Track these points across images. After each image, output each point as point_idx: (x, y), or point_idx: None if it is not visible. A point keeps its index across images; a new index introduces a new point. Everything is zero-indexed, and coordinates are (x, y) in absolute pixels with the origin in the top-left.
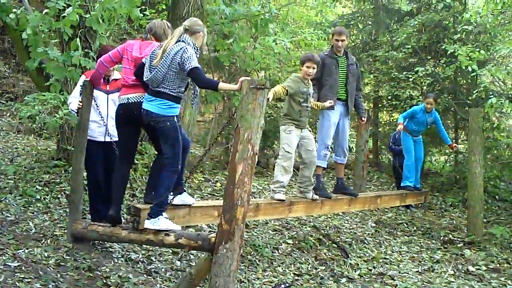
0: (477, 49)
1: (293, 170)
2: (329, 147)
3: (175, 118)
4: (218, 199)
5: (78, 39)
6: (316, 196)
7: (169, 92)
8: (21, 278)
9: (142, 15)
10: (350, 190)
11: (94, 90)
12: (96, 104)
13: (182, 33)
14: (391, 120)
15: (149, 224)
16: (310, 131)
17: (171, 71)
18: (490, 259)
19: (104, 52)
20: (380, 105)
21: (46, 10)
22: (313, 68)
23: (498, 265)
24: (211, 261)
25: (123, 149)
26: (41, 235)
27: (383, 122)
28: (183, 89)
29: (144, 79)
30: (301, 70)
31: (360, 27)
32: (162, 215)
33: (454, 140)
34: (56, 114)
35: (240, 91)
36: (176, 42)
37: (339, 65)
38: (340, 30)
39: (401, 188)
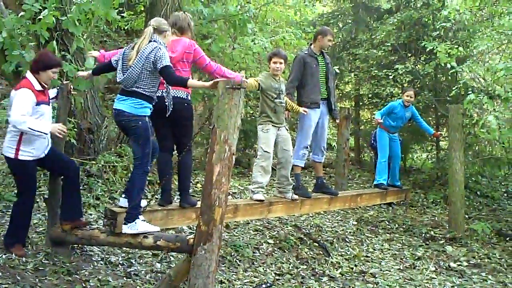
0: (456, 46)
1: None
2: (308, 146)
3: (147, 119)
4: (198, 200)
5: (55, 41)
6: (295, 196)
7: (142, 92)
8: None
9: (120, 17)
10: (330, 189)
11: (41, 105)
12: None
13: (152, 33)
14: (372, 118)
15: (126, 229)
16: (288, 130)
17: (146, 70)
18: (471, 255)
19: (43, 59)
20: (361, 103)
21: (22, 13)
22: (280, 63)
23: (479, 260)
24: (190, 263)
25: (160, 138)
26: None
27: (364, 120)
28: (156, 88)
29: (118, 81)
30: (269, 67)
31: (340, 26)
32: (138, 218)
33: (435, 127)
34: None
35: (210, 88)
36: (148, 42)
37: (319, 64)
38: (333, 33)
39: (375, 186)
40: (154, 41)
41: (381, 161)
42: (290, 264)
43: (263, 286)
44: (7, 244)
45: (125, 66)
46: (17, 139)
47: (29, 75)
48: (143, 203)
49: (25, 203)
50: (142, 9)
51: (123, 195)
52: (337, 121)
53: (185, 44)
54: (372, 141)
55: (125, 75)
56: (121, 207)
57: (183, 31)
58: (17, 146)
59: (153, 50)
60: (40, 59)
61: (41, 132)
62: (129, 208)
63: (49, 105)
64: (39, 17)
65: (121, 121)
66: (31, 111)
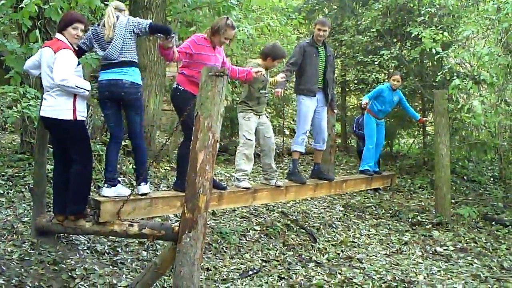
0: (441, 31)
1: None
2: (307, 132)
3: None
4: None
5: (37, 30)
6: (279, 183)
7: (132, 59)
8: None
9: (103, 5)
10: (326, 175)
11: (79, 65)
12: None
13: (114, 11)
14: (358, 104)
15: (147, 188)
16: (268, 117)
17: (128, 39)
18: (458, 239)
19: (63, 18)
20: (347, 89)
21: (3, 1)
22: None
23: (465, 245)
24: (175, 251)
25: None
26: (4, 230)
27: (351, 106)
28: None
29: (100, 55)
30: (268, 61)
31: (326, 12)
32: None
33: (421, 113)
34: (15, 107)
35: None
36: (116, 19)
37: (319, 54)
38: (323, 21)
39: (361, 172)
40: (119, 16)
41: (369, 147)
42: (276, 251)
43: (250, 272)
44: (78, 212)
45: (102, 42)
46: (73, 99)
47: (59, 36)
48: (127, 191)
49: (87, 167)
50: None
51: (105, 185)
52: (335, 111)
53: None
54: (355, 128)
55: (108, 49)
56: (104, 196)
57: (213, 32)
58: (74, 107)
59: (127, 20)
60: (62, 19)
61: (85, 90)
62: (145, 171)
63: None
64: (21, 5)
65: (120, 92)
66: (73, 72)
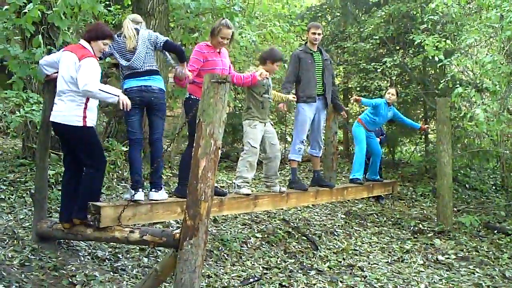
0: (444, 39)
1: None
2: (304, 141)
3: None
4: None
5: (40, 36)
6: (283, 189)
7: (157, 68)
8: None
9: (107, 10)
10: (326, 182)
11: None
12: None
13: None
14: (360, 112)
15: (156, 195)
16: (272, 124)
17: (150, 49)
18: (459, 248)
19: (96, 29)
20: (349, 97)
21: (6, 6)
22: (278, 67)
23: (467, 253)
24: (176, 257)
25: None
26: (5, 235)
27: (353, 114)
28: None
29: (124, 65)
30: (268, 64)
31: (328, 19)
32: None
33: (424, 120)
34: (17, 112)
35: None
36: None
37: (315, 59)
38: (317, 24)
39: (351, 181)
40: (139, 28)
41: (357, 155)
42: (278, 258)
43: (251, 280)
44: (84, 218)
45: (124, 52)
46: (83, 106)
47: (85, 43)
48: (127, 196)
49: (99, 172)
50: (129, 3)
51: (153, 189)
52: (343, 113)
53: (195, 49)
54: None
55: (132, 59)
56: (153, 200)
57: (211, 35)
58: (84, 114)
59: (149, 33)
60: (93, 29)
61: (113, 95)
62: (157, 177)
63: None
64: (24, 10)
65: (151, 97)
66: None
